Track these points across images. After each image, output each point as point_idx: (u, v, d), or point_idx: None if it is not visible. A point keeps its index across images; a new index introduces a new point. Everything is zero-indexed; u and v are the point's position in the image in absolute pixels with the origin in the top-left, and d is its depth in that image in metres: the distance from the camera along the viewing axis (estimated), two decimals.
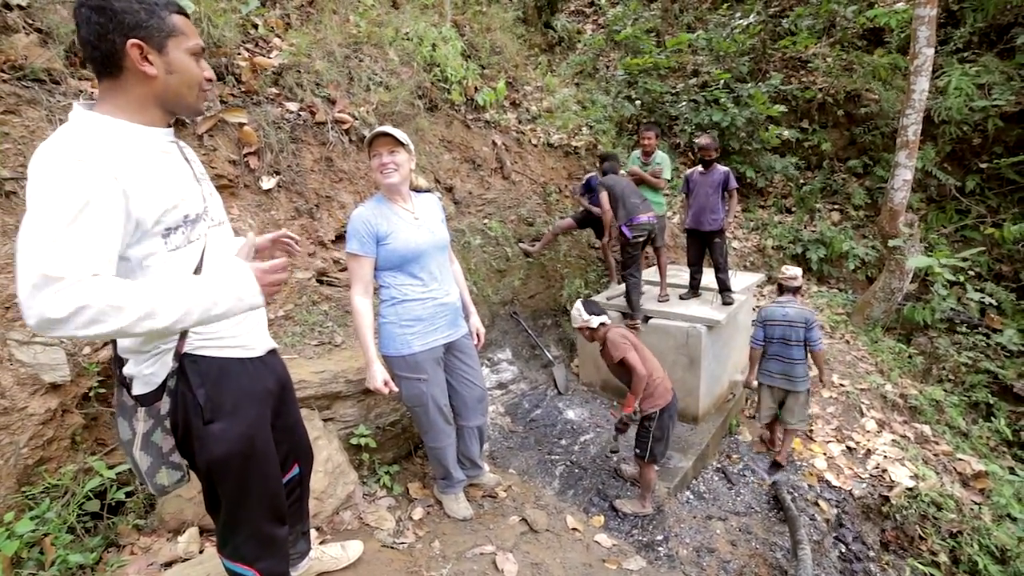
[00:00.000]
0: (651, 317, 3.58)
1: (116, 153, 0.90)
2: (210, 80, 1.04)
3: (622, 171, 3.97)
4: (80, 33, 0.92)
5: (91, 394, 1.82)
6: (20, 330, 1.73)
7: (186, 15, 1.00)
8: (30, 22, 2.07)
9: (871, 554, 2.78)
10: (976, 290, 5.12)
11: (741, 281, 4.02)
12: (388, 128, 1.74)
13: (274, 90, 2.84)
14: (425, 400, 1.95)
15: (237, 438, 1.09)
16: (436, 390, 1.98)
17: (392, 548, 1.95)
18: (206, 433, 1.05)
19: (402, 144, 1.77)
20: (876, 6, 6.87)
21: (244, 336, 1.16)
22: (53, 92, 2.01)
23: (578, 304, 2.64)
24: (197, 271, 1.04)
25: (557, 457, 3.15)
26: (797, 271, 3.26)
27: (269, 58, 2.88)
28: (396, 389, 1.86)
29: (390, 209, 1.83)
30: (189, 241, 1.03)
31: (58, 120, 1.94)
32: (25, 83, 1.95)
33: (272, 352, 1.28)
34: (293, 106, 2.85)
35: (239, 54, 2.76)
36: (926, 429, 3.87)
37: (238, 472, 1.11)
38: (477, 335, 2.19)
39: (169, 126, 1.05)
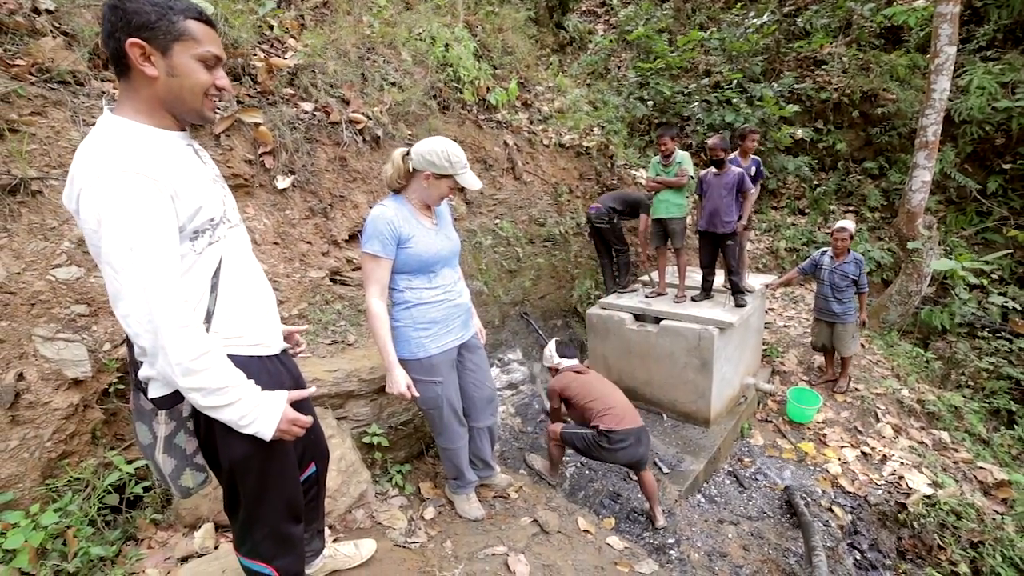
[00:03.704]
0: (662, 319, 3.55)
1: (160, 159, 0.94)
2: (221, 88, 1.01)
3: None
4: (101, 31, 0.95)
5: (110, 390, 1.85)
6: (44, 326, 1.77)
7: (210, 23, 0.99)
8: (57, 25, 2.11)
9: (888, 562, 2.72)
10: (999, 294, 4.99)
11: (754, 283, 3.98)
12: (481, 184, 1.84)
13: (289, 90, 2.87)
14: (440, 403, 1.96)
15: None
16: (451, 392, 1.98)
17: (404, 547, 1.96)
18: (229, 431, 1.05)
19: None
20: (895, 4, 6.74)
21: (262, 335, 1.17)
22: (77, 94, 2.05)
23: (551, 345, 2.95)
24: (216, 274, 1.05)
25: (567, 458, 3.14)
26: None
27: (284, 59, 2.91)
28: (419, 394, 1.86)
29: (410, 213, 1.83)
30: (210, 244, 1.04)
31: (82, 121, 1.98)
32: (51, 85, 1.99)
33: (285, 352, 1.30)
34: (308, 106, 2.88)
35: (255, 55, 2.80)
36: (944, 436, 3.78)
37: (259, 470, 1.12)
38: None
39: (183, 130, 1.05)
